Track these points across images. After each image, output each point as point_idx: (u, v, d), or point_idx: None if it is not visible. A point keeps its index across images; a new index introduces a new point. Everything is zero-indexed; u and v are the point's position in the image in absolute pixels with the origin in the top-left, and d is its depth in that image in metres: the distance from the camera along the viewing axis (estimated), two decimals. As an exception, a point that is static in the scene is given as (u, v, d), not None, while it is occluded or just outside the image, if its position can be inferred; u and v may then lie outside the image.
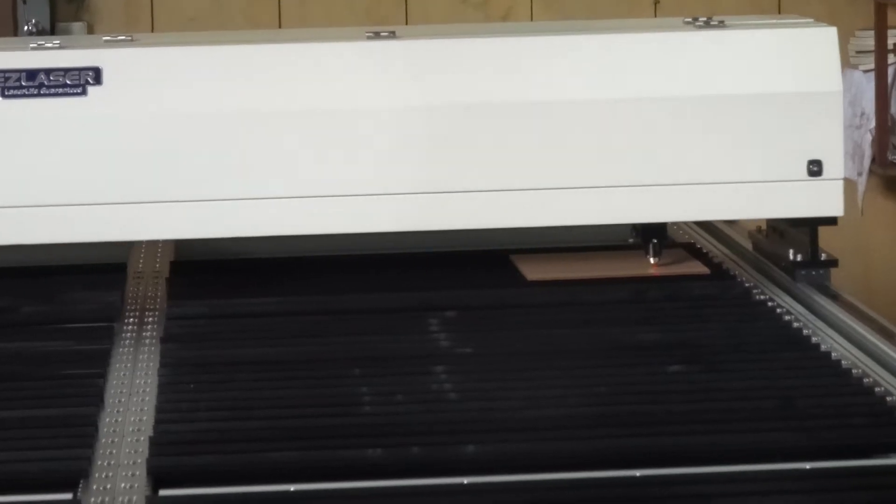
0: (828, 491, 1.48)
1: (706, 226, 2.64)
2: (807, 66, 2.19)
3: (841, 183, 2.16)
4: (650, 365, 1.92)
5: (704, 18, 2.29)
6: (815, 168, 2.11)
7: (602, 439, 1.63)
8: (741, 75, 2.18)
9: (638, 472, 1.52)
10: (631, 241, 2.43)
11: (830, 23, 2.75)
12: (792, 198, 2.16)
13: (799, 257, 2.26)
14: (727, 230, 2.65)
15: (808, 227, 2.24)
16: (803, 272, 2.26)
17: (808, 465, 1.56)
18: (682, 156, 2.16)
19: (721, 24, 2.24)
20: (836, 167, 2.15)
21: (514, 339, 2.05)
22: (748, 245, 2.54)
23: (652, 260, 2.30)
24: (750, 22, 2.38)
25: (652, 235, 2.33)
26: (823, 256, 2.29)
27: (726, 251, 2.56)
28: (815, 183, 2.13)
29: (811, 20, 2.30)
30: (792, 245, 2.28)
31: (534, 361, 1.96)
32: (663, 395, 1.83)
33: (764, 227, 2.51)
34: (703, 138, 2.17)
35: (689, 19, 2.29)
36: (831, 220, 2.19)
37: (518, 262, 2.34)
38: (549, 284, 2.24)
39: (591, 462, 1.57)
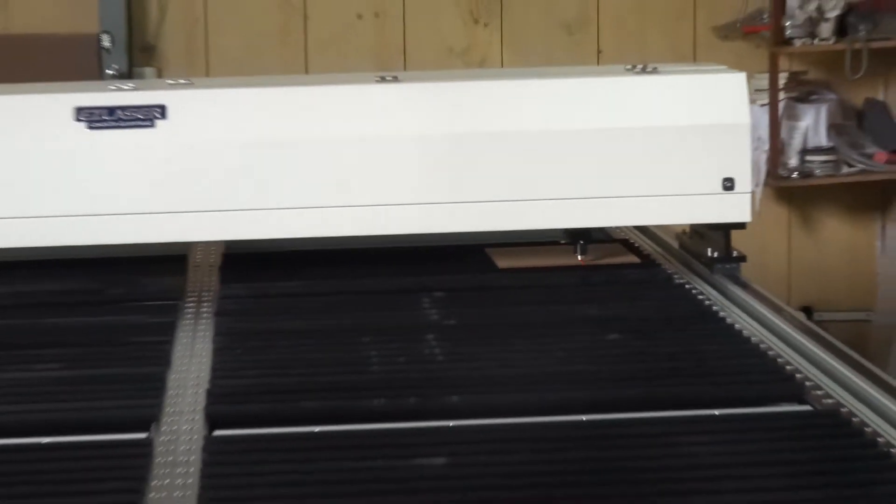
0: (732, 432, 1.56)
1: (642, 229, 2.66)
2: (722, 104, 2.22)
3: (749, 196, 2.18)
4: (594, 334, 1.98)
5: (642, 66, 2.33)
6: (728, 184, 2.14)
7: (558, 392, 1.69)
8: (671, 111, 2.21)
9: (584, 417, 1.59)
10: (562, 241, 2.45)
11: (738, 67, 2.80)
12: (710, 207, 2.20)
13: (715, 254, 2.30)
14: (659, 232, 2.65)
15: (722, 231, 2.29)
16: (718, 266, 2.30)
17: (717, 412, 1.62)
18: (624, 173, 2.19)
19: (654, 71, 2.29)
20: (745, 183, 2.18)
21: (490, 314, 2.10)
22: (675, 244, 2.56)
23: (579, 257, 2.33)
24: (678, 69, 2.39)
25: (579, 237, 2.36)
26: (735, 253, 2.32)
27: (657, 248, 2.57)
28: (729, 196, 2.17)
29: (726, 67, 2.33)
30: (710, 244, 2.32)
31: (505, 331, 2.01)
32: (605, 357, 1.89)
33: (688, 230, 2.52)
34: (641, 160, 2.20)
35: (630, 66, 2.33)
36: (741, 226, 2.23)
37: (492, 254, 2.40)
38: (516, 271, 2.30)
39: (550, 409, 1.63)
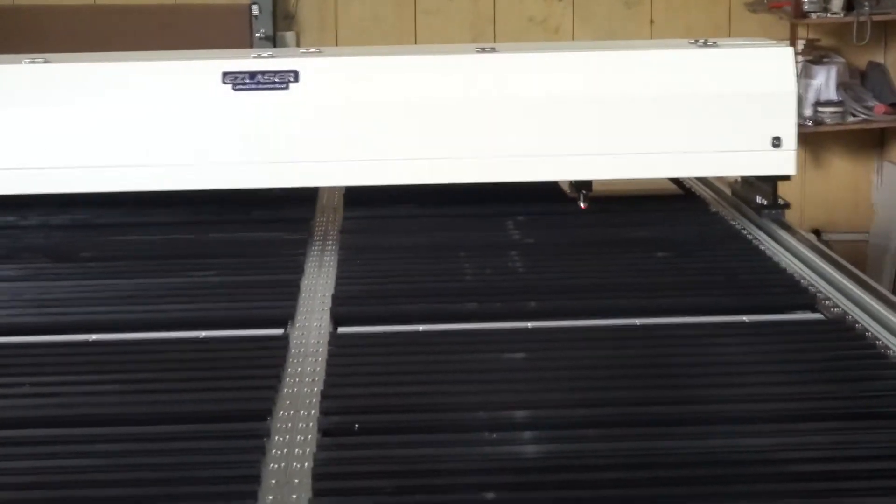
0: (759, 335, 1.54)
1: (703, 181, 2.53)
2: (771, 74, 2.15)
3: (794, 153, 2.10)
4: (643, 252, 1.94)
5: (703, 40, 2.26)
6: (776, 142, 2.07)
7: (613, 299, 1.68)
8: (731, 80, 2.14)
9: (638, 321, 1.59)
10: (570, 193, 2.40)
11: (764, 36, 2.66)
12: (762, 161, 2.13)
13: (764, 202, 2.30)
14: (717, 183, 2.54)
15: (770, 182, 2.24)
16: (765, 211, 2.31)
17: (745, 318, 1.61)
18: (691, 131, 2.12)
19: (715, 44, 2.21)
20: (791, 141, 2.09)
21: (559, 235, 2.08)
22: (728, 192, 2.51)
23: (582, 205, 2.23)
24: (734, 42, 2.34)
25: (582, 188, 2.26)
26: (780, 201, 2.28)
27: (713, 195, 2.56)
28: (777, 152, 2.09)
29: (774, 42, 2.26)
30: (759, 192, 2.30)
31: (572, 249, 2.00)
32: (650, 271, 1.87)
33: (739, 180, 2.45)
34: (705, 121, 2.13)
35: (693, 41, 2.26)
36: (786, 177, 2.16)
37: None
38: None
39: (607, 313, 1.62)
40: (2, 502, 1.11)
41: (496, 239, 2.12)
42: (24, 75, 2.12)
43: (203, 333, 1.56)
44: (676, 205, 2.35)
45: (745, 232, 2.17)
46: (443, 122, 2.09)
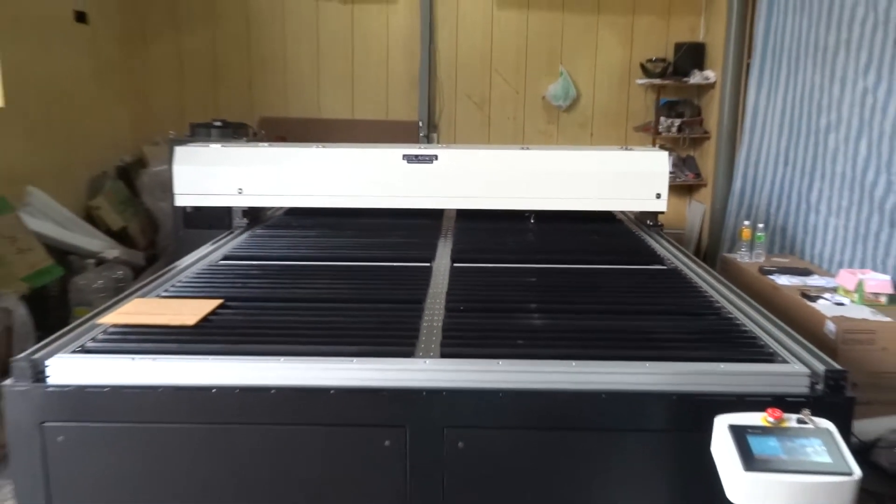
0: (636, 275, 2.00)
1: (622, 213, 2.96)
2: (657, 163, 2.55)
3: (666, 200, 2.53)
4: (587, 234, 2.40)
5: (625, 147, 2.74)
6: (658, 195, 2.55)
7: (563, 253, 2.13)
8: (638, 165, 2.55)
9: (578, 266, 2.04)
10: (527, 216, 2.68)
11: (641, 144, 3.05)
12: (650, 204, 2.56)
13: (650, 223, 2.72)
14: (628, 214, 2.97)
15: (655, 215, 2.69)
16: (650, 225, 2.72)
17: (629, 267, 2.04)
18: (616, 190, 2.56)
19: (630, 148, 2.70)
20: (664, 195, 2.54)
21: (556, 228, 2.51)
22: (633, 217, 2.89)
23: (531, 221, 2.65)
24: (641, 148, 2.75)
25: (532, 214, 2.65)
26: (659, 222, 2.73)
27: (627, 218, 2.88)
28: (657, 200, 2.56)
29: (657, 148, 2.52)
30: (649, 219, 2.71)
31: (561, 230, 2.45)
32: (586, 242, 2.31)
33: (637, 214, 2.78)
34: (624, 184, 2.55)
35: (619, 147, 2.71)
36: (662, 212, 2.62)
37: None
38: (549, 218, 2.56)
39: (561, 260, 2.10)
40: (266, 332, 1.50)
41: (517, 226, 2.57)
42: (309, 153, 2.61)
43: (394, 264, 2.05)
44: (608, 222, 2.75)
45: (638, 233, 2.56)
46: (498, 179, 2.53)
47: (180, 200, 2.46)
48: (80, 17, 4.24)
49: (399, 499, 1.30)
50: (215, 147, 2.55)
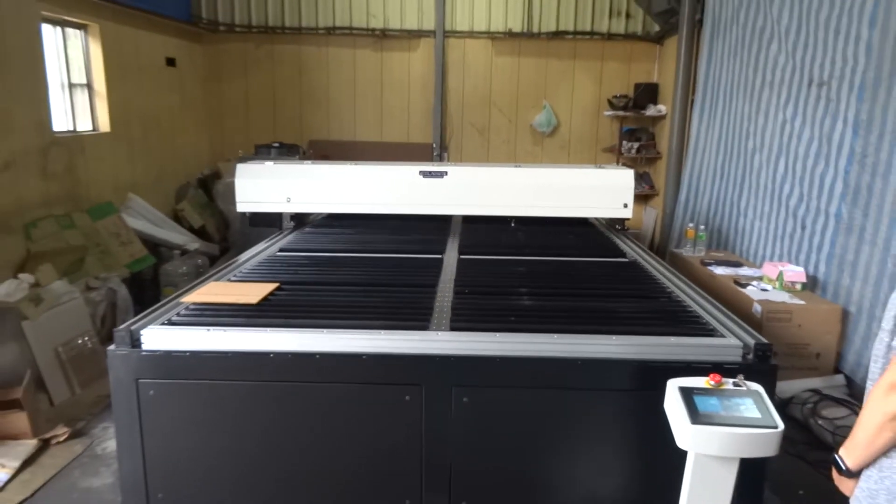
0: (603, 266, 1.89)
1: (595, 219, 2.80)
2: (623, 178, 2.44)
3: (632, 208, 2.44)
4: (563, 233, 2.28)
5: (598, 165, 2.60)
6: (625, 205, 2.43)
7: (544, 248, 2.04)
8: (608, 180, 2.45)
9: (556, 258, 1.93)
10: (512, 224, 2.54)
11: (608, 163, 2.88)
12: (619, 212, 2.46)
13: (618, 227, 2.63)
14: (600, 220, 2.79)
15: (622, 220, 2.59)
16: (618, 230, 2.61)
17: (598, 259, 1.97)
18: (586, 200, 2.45)
19: (602, 166, 2.58)
20: (630, 204, 2.43)
21: (542, 227, 2.40)
22: (604, 223, 2.75)
23: (513, 224, 2.53)
24: (611, 166, 2.61)
25: (514, 219, 2.52)
26: (626, 226, 2.65)
27: (599, 224, 2.74)
28: (625, 209, 2.45)
29: (625, 166, 2.42)
30: (618, 224, 2.61)
31: (544, 229, 2.37)
32: (566, 238, 2.20)
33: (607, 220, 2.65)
34: (595, 196, 2.44)
35: (594, 165, 2.63)
36: (628, 218, 2.50)
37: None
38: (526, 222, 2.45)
39: (541, 253, 2.00)
40: (312, 309, 1.45)
41: (511, 228, 2.53)
42: (344, 169, 2.50)
43: (413, 255, 2.02)
44: (582, 225, 2.68)
45: (608, 236, 2.50)
46: (496, 191, 2.46)
47: (241, 207, 2.40)
48: (171, 62, 4.38)
49: (417, 441, 1.30)
50: (269, 164, 2.47)
